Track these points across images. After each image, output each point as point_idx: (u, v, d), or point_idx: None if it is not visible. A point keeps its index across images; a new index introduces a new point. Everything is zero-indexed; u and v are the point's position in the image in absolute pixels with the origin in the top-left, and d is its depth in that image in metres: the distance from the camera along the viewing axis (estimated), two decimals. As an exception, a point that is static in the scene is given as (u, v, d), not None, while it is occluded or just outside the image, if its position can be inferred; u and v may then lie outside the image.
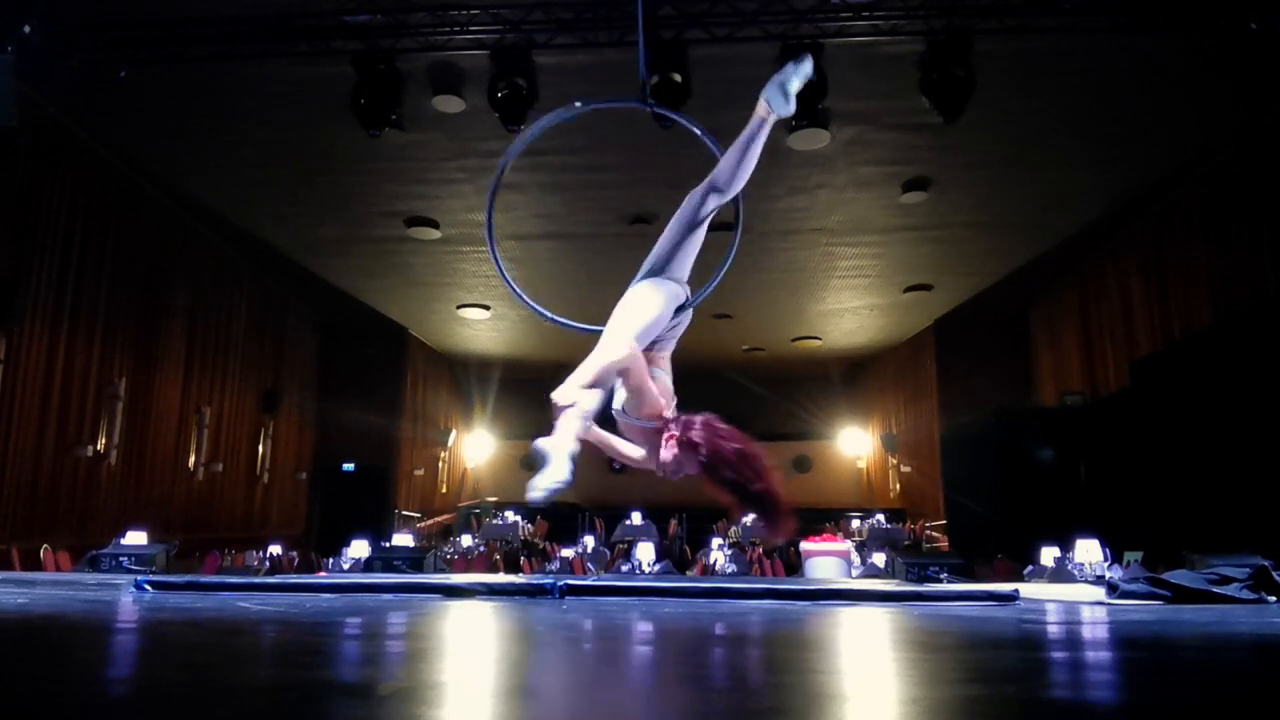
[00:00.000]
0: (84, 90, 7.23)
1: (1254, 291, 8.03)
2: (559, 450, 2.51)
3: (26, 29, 6.33)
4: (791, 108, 2.92)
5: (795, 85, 2.93)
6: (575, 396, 2.60)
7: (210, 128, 8.36)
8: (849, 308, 14.01)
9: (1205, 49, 6.79)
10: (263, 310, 12.73)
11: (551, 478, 2.47)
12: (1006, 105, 7.68)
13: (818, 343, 16.05)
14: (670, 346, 3.07)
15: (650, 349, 2.94)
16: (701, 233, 3.02)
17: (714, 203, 2.99)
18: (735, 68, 7.24)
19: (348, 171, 9.20)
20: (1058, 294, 12.63)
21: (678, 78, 6.94)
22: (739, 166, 2.94)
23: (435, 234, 10.80)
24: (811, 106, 7.07)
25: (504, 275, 3.31)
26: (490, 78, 7.18)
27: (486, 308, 13.98)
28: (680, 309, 2.99)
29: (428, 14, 6.96)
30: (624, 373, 2.74)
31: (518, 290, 3.31)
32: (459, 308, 14.01)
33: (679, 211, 3.03)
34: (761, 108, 2.93)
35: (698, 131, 3.22)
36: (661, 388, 2.90)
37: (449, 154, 8.82)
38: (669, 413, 2.86)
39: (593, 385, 2.65)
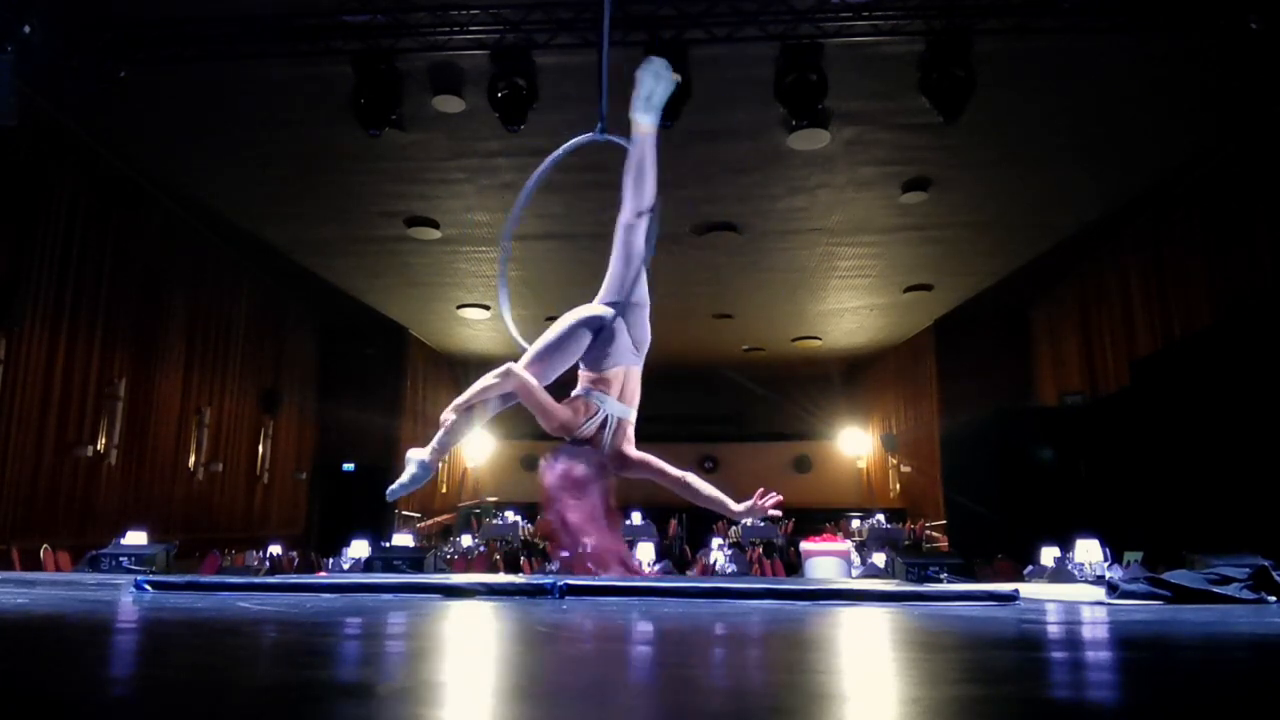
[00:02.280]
0: (84, 90, 7.23)
1: (1254, 291, 8.03)
2: (414, 458, 2.96)
3: (26, 29, 6.33)
4: (655, 118, 3.16)
5: (660, 96, 3.09)
6: (448, 416, 2.95)
7: (210, 128, 8.36)
8: (849, 308, 14.01)
9: (1205, 49, 6.79)
10: (263, 310, 12.73)
11: (401, 480, 2.97)
12: (1006, 105, 7.68)
13: (818, 343, 16.06)
14: (624, 364, 3.11)
15: (598, 369, 3.06)
16: (642, 251, 3.23)
17: (643, 223, 3.22)
18: (735, 68, 7.25)
19: (348, 171, 9.20)
20: (1058, 294, 12.62)
21: (678, 78, 6.92)
22: (642, 186, 3.22)
23: (435, 234, 10.80)
24: (811, 106, 7.08)
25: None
26: (490, 78, 7.18)
27: (486, 308, 13.98)
28: (601, 332, 3.05)
29: (428, 14, 6.97)
30: (516, 394, 2.95)
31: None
32: (459, 308, 14.02)
33: (619, 243, 3.24)
34: (643, 126, 3.20)
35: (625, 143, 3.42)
36: (579, 406, 3.04)
37: (449, 154, 8.82)
38: (580, 430, 3.03)
39: (469, 407, 2.95)
